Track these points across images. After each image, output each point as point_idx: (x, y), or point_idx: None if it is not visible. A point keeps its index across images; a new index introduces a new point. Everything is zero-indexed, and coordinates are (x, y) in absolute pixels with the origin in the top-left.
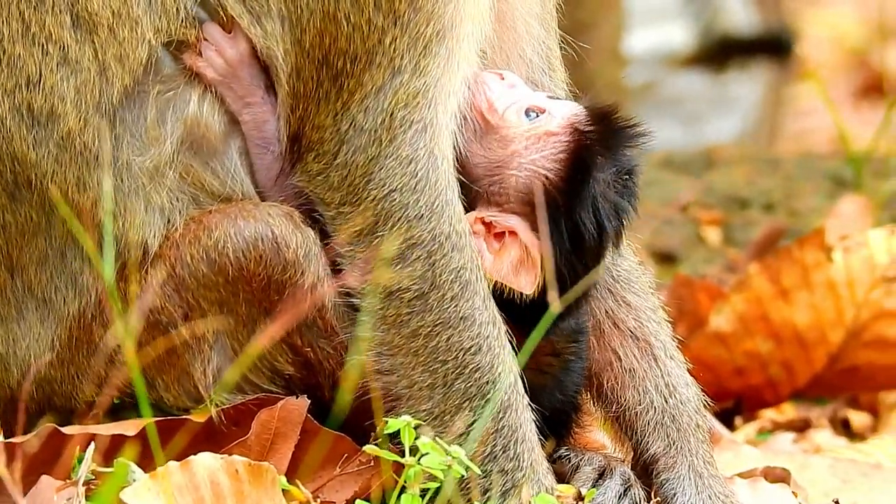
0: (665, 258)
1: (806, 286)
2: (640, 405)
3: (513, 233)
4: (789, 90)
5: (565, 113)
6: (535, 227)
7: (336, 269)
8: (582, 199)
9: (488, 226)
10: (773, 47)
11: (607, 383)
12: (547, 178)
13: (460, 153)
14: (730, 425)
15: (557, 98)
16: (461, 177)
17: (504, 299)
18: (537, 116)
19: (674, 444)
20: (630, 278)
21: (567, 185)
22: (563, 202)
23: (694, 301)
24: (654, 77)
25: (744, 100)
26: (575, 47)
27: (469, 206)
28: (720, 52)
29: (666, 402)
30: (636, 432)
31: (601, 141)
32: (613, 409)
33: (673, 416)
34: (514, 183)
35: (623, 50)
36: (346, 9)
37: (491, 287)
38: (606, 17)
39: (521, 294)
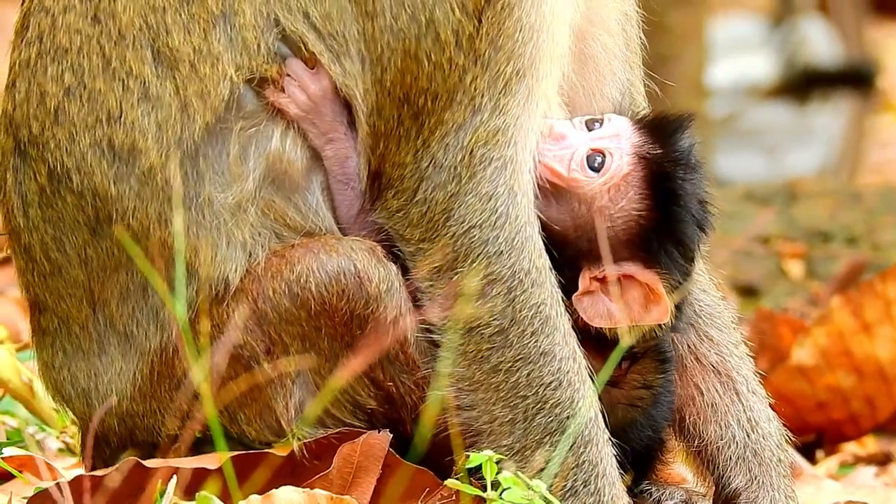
0: (747, 291)
1: (889, 320)
2: (722, 440)
3: (627, 276)
4: (871, 122)
5: (626, 146)
6: (646, 263)
7: (417, 305)
8: (681, 219)
9: (602, 281)
10: (856, 79)
11: (689, 418)
12: (640, 216)
13: (548, 220)
14: (811, 459)
15: (598, 119)
16: (557, 242)
17: (591, 334)
18: (602, 161)
19: (755, 478)
20: (713, 313)
21: (661, 214)
22: (665, 229)
23: (776, 335)
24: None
25: (825, 132)
26: (657, 80)
27: (569, 267)
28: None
29: (748, 436)
30: (718, 466)
31: (667, 154)
32: (696, 444)
33: (755, 450)
34: (612, 234)
35: (705, 82)
36: (427, 48)
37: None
38: (689, 49)
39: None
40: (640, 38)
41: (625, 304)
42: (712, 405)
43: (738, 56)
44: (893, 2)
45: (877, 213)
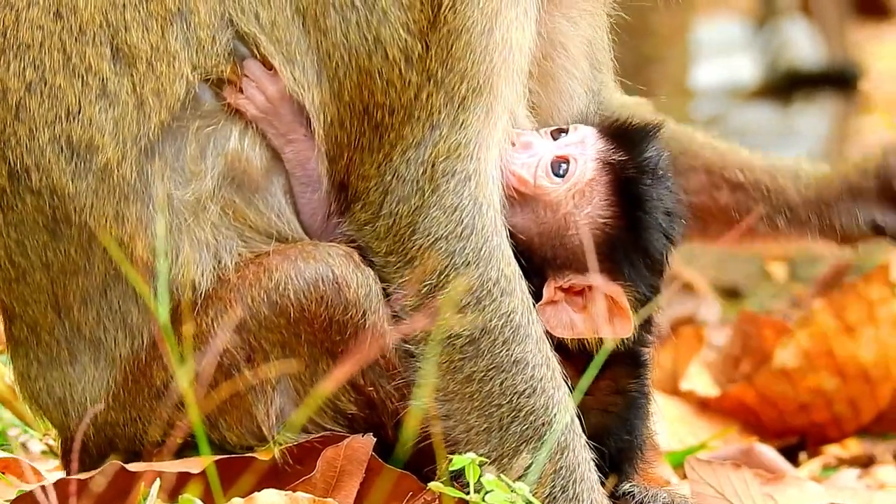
0: (730, 293)
1: (871, 322)
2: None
3: (592, 287)
4: (855, 123)
5: (590, 153)
6: (611, 275)
7: (394, 315)
8: (646, 227)
9: (567, 290)
10: (839, 81)
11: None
12: (606, 224)
13: (515, 229)
14: (794, 461)
15: (563, 129)
16: (524, 251)
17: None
18: (567, 167)
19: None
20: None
21: (626, 221)
22: (631, 238)
23: (759, 337)
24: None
25: (809, 133)
26: (641, 81)
27: (537, 275)
28: (786, 86)
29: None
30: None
31: (632, 160)
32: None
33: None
34: (578, 243)
35: (689, 83)
36: (378, 65)
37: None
38: (673, 50)
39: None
40: (612, 49)
41: (588, 315)
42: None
43: (722, 57)
44: (876, 4)
45: None
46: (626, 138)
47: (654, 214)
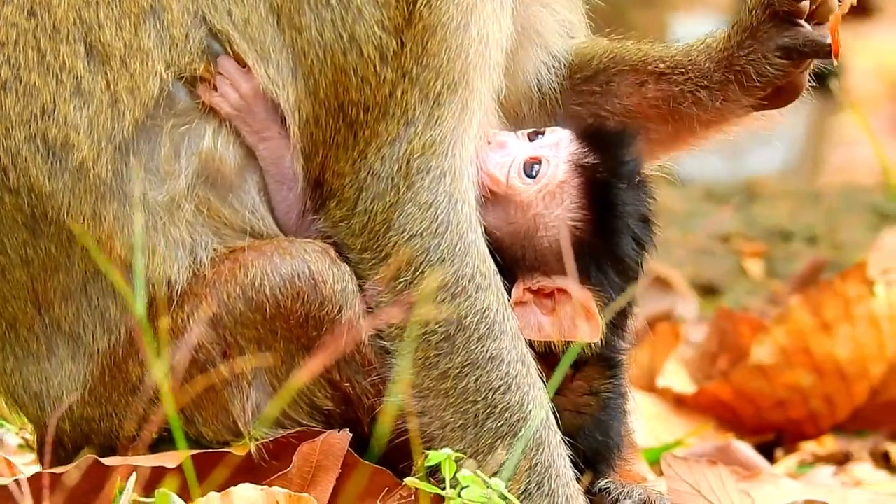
0: (707, 290)
1: (848, 319)
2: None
3: (561, 290)
4: (832, 122)
5: (563, 155)
6: (580, 279)
7: (368, 311)
8: (616, 232)
9: (536, 292)
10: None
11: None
12: (576, 227)
13: (486, 228)
14: (770, 458)
15: (540, 132)
16: (496, 250)
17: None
18: (539, 168)
19: None
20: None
21: (597, 225)
22: (602, 242)
23: (736, 334)
24: None
25: (787, 132)
26: None
27: (507, 275)
28: None
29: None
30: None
31: (605, 164)
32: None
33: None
34: (547, 244)
35: None
36: (353, 62)
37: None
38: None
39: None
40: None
41: (556, 319)
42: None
43: None
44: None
45: (837, 212)
46: (602, 142)
47: (626, 219)
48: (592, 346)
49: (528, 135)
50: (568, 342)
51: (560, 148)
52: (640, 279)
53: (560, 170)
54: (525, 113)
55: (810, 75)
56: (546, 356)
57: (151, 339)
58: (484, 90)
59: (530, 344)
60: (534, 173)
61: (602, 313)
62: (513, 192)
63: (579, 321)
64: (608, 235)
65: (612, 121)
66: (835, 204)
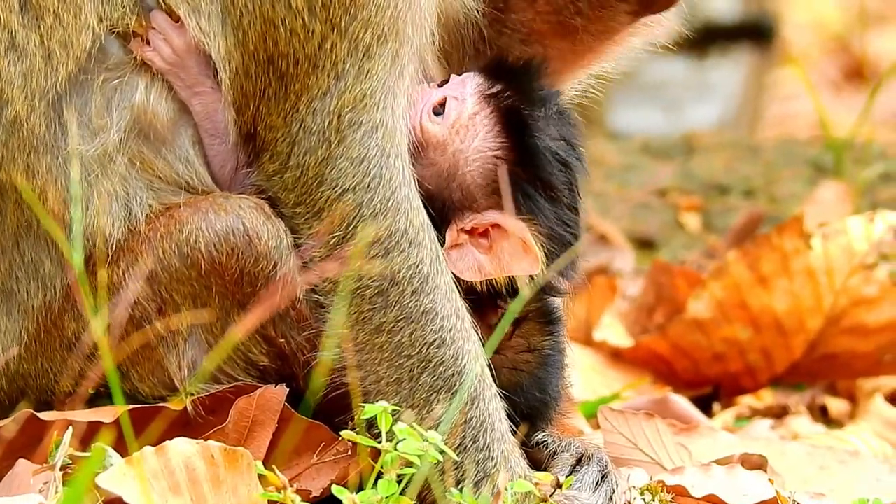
0: (644, 244)
1: (785, 273)
2: None
3: (495, 225)
4: (771, 76)
5: (469, 90)
6: (512, 211)
7: (304, 266)
8: (538, 155)
9: (470, 232)
10: (755, 33)
11: None
12: (497, 156)
13: (418, 181)
14: (707, 412)
15: (445, 81)
16: (429, 201)
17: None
18: (446, 106)
19: None
20: None
21: (517, 151)
22: (524, 168)
23: (672, 287)
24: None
25: (725, 86)
26: None
27: (441, 223)
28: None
29: None
30: None
31: (515, 93)
32: None
33: None
34: (472, 179)
35: None
36: (282, 14)
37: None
38: None
39: (530, 277)
40: None
41: (494, 255)
42: None
43: None
44: None
45: (774, 166)
46: (505, 72)
47: (544, 140)
48: (544, 290)
49: (439, 84)
50: (511, 280)
51: (466, 85)
52: (580, 209)
53: (468, 103)
54: (459, 58)
55: (748, 32)
56: (485, 307)
57: (89, 293)
58: (416, 41)
59: (473, 290)
60: (441, 112)
61: (539, 244)
62: (428, 135)
63: (517, 254)
64: (529, 159)
65: (515, 51)
66: (772, 158)
